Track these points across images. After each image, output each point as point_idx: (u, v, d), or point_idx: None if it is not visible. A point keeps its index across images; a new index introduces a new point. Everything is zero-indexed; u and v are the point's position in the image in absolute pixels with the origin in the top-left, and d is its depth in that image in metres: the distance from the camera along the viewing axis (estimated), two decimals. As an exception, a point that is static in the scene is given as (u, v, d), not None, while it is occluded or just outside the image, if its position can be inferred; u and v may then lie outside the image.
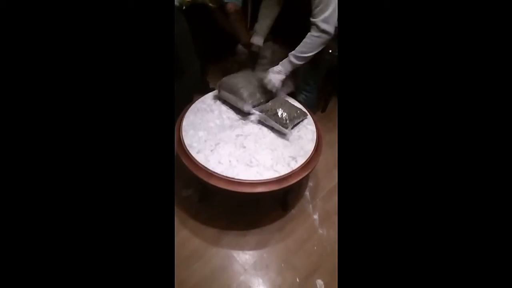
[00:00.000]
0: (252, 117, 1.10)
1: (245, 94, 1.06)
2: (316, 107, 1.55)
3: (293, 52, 1.08)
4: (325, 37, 1.04)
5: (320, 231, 1.16)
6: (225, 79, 1.13)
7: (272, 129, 1.06)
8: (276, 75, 1.10)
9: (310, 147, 1.03)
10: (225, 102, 1.16)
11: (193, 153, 0.96)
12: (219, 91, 1.15)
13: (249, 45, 1.33)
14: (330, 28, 1.03)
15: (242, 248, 1.08)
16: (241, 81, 1.10)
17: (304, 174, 0.95)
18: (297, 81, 1.41)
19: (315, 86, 1.44)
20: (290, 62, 1.09)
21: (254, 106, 1.08)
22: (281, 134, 1.04)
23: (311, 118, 1.15)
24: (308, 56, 1.09)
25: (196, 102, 1.17)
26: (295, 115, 1.07)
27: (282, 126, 1.02)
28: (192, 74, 1.33)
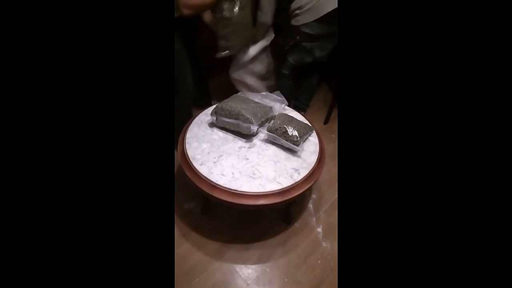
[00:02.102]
0: (259, 137, 1.08)
1: (248, 115, 1.03)
2: (291, 97, 1.62)
3: None
4: None
5: (324, 244, 1.14)
6: (219, 105, 1.09)
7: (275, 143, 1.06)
8: None
9: (313, 159, 1.03)
10: (223, 128, 1.10)
11: (196, 165, 0.96)
12: (216, 119, 1.09)
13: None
14: None
15: (244, 262, 1.07)
16: (238, 104, 1.07)
17: (307, 187, 0.95)
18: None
19: (281, 76, 1.53)
20: None
21: (259, 126, 1.07)
22: (285, 148, 1.04)
23: (314, 130, 1.15)
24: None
25: (200, 114, 1.18)
26: (304, 131, 1.07)
27: (293, 144, 1.01)
28: (186, 92, 1.33)
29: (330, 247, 1.13)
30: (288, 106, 1.25)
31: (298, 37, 1.32)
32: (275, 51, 1.51)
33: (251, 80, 1.59)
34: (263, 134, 1.07)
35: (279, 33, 1.44)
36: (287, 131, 1.02)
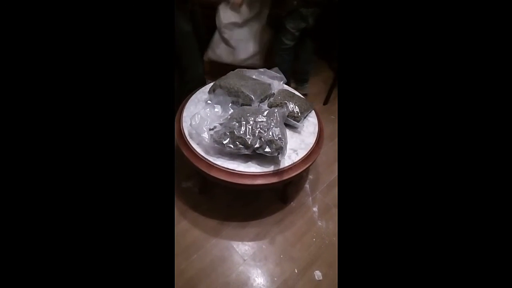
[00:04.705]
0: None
1: (247, 92, 1.00)
2: (290, 73, 1.61)
3: None
4: None
5: (319, 223, 1.17)
6: (217, 82, 1.06)
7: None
8: None
9: (311, 140, 1.02)
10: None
11: (193, 144, 0.95)
12: (214, 97, 1.05)
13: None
14: None
15: (241, 239, 1.09)
16: (237, 80, 1.04)
17: (304, 167, 0.95)
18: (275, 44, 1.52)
19: (282, 49, 1.50)
20: None
21: (259, 104, 1.05)
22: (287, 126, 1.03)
23: (313, 111, 1.14)
24: None
25: (197, 93, 1.15)
26: (305, 107, 1.05)
27: (294, 120, 1.00)
28: (194, 77, 1.29)
29: (325, 226, 1.16)
30: (287, 84, 1.22)
31: (295, 2, 1.32)
32: (272, 24, 1.47)
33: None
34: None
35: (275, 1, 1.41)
36: (288, 106, 1.00)
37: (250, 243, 1.08)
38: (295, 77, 1.69)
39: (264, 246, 1.08)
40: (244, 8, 1.44)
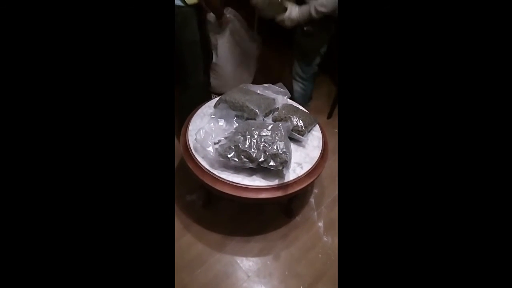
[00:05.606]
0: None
1: (252, 107, 1.02)
2: (309, 100, 1.59)
3: (314, 2, 1.12)
4: None
5: (325, 239, 1.14)
6: (223, 97, 1.08)
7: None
8: (293, 11, 1.17)
9: (315, 153, 1.02)
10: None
11: (198, 157, 0.96)
12: (219, 110, 1.06)
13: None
14: None
15: (245, 254, 1.07)
16: (241, 95, 1.06)
17: (309, 181, 0.95)
18: (293, 69, 1.47)
19: (311, 75, 1.45)
20: (309, 11, 1.14)
21: (263, 118, 1.06)
22: (291, 140, 1.03)
23: (317, 125, 1.14)
24: (323, 12, 1.12)
25: (203, 107, 1.17)
26: (309, 121, 1.06)
27: (298, 134, 1.01)
28: (196, 83, 1.33)
29: (331, 241, 1.14)
30: (291, 99, 1.24)
31: (333, 27, 1.29)
32: (298, 52, 1.41)
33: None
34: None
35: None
36: (292, 120, 1.01)
37: (254, 258, 1.07)
38: None
39: (268, 262, 1.06)
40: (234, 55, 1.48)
